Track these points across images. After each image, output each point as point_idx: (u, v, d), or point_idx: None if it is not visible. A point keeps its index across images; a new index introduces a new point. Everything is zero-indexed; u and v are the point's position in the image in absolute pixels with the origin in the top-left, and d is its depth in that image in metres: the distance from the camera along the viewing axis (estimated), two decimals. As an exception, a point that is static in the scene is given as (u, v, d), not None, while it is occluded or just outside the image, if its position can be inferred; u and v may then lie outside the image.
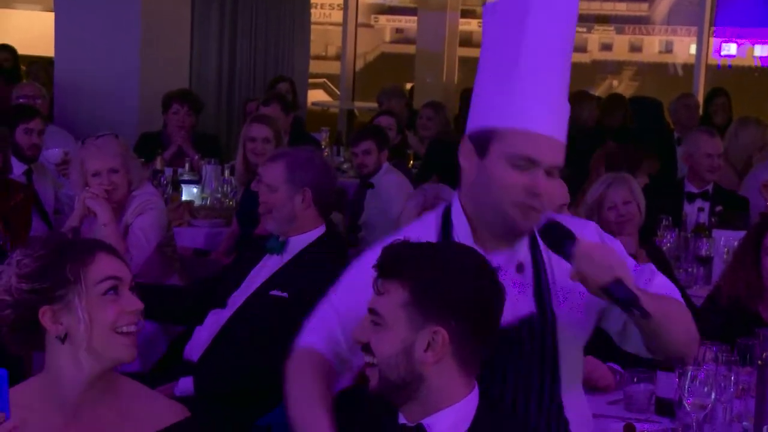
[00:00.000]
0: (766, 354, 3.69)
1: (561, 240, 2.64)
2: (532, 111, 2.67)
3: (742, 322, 4.27)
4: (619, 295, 2.52)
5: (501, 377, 2.74)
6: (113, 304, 2.53)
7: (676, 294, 2.85)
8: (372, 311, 2.50)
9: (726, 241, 5.75)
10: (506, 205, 2.68)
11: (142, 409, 2.66)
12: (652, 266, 2.90)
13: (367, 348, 2.51)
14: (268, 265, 4.52)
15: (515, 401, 2.75)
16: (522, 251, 2.81)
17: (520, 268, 2.77)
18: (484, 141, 2.70)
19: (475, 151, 2.73)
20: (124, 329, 2.55)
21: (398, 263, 2.48)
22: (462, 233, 2.80)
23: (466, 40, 15.98)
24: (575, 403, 2.88)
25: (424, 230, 2.83)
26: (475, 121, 2.77)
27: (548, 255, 2.78)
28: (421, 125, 8.98)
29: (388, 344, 2.48)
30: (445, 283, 2.47)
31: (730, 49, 16.42)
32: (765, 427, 3.56)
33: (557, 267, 2.77)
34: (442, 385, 2.50)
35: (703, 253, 5.93)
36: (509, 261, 2.77)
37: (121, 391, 2.65)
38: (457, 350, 2.48)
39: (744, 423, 3.69)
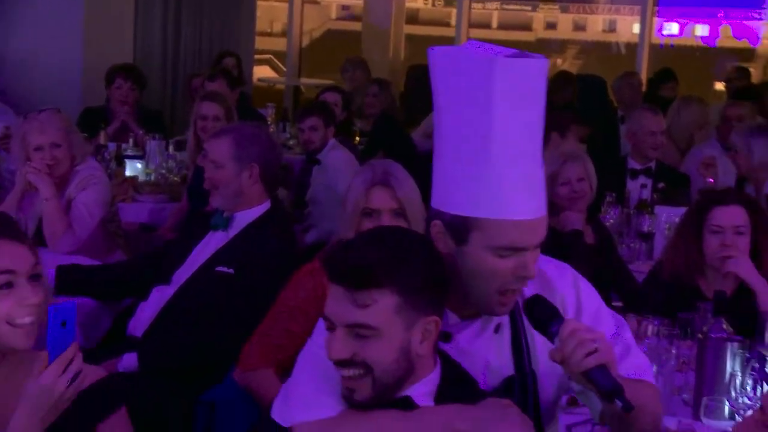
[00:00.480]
0: (707, 328, 3.72)
1: (546, 319, 2.50)
2: (513, 201, 2.48)
3: (683, 296, 4.30)
4: (602, 382, 2.39)
5: None
6: (6, 298, 2.50)
7: (648, 374, 2.78)
8: (357, 326, 2.37)
9: (668, 217, 5.79)
10: (491, 292, 2.54)
11: None
12: (627, 334, 2.79)
13: (349, 363, 2.40)
14: (213, 241, 4.49)
15: None
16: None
17: (497, 328, 2.66)
18: (461, 230, 2.50)
19: (451, 237, 2.53)
20: (19, 321, 2.52)
21: (375, 271, 2.37)
22: None
23: (413, 18, 16.00)
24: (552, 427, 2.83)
25: None
26: (445, 206, 2.54)
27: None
28: (368, 102, 8.96)
29: (387, 352, 2.39)
30: (426, 274, 2.43)
31: (672, 28, 16.56)
32: (704, 398, 3.58)
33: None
34: (421, 365, 2.47)
35: (646, 228, 5.97)
36: (486, 324, 2.66)
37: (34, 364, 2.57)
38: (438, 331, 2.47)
39: (684, 395, 3.73)
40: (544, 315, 2.51)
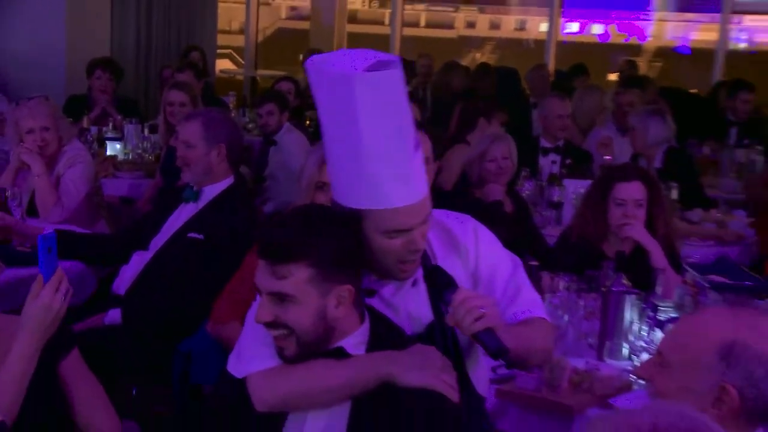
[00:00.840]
0: (609, 283, 3.77)
1: (442, 287, 2.51)
2: (388, 193, 2.43)
3: (588, 256, 4.32)
4: (489, 344, 2.41)
5: None
6: None
7: (539, 308, 2.75)
8: (277, 294, 2.36)
9: (574, 188, 5.83)
10: (390, 264, 2.52)
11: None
12: (520, 273, 2.76)
13: (274, 324, 2.40)
14: (185, 212, 4.45)
15: None
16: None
17: (414, 283, 2.63)
18: (354, 217, 2.47)
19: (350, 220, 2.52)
20: None
21: (290, 248, 2.35)
22: None
23: (352, 17, 15.97)
24: (478, 372, 2.81)
25: None
26: (338, 199, 2.53)
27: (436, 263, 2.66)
28: (316, 90, 8.90)
29: (304, 316, 2.37)
30: (338, 249, 2.40)
31: (573, 27, 16.69)
32: (607, 342, 3.64)
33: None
34: (346, 325, 2.46)
35: (555, 198, 6.00)
36: (403, 281, 2.64)
37: None
38: (356, 295, 2.46)
39: (590, 340, 3.76)
40: (441, 284, 2.52)
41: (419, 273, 2.62)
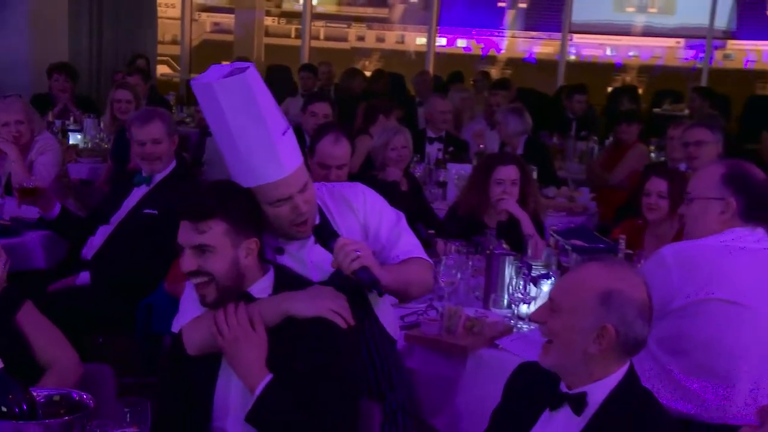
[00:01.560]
0: (492, 246, 3.78)
1: (326, 238, 2.50)
2: (261, 169, 2.43)
3: (472, 226, 4.34)
4: (364, 279, 2.41)
5: None
6: None
7: (418, 250, 2.73)
8: (198, 247, 2.34)
9: (456, 171, 5.83)
10: (284, 227, 2.52)
11: None
12: (402, 223, 2.75)
13: (196, 273, 2.37)
14: (139, 192, 4.34)
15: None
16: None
17: (315, 241, 2.59)
18: (252, 193, 2.47)
19: None
20: None
21: (211, 206, 2.35)
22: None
23: (268, 32, 15.81)
24: (387, 316, 2.81)
25: None
26: (235, 180, 2.51)
27: (334, 221, 2.65)
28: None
29: (221, 263, 2.36)
30: (246, 208, 2.42)
31: (442, 41, 16.78)
32: (491, 294, 3.65)
33: (346, 231, 2.62)
34: (252, 274, 2.44)
35: (441, 179, 5.99)
36: (305, 240, 2.61)
37: None
38: (260, 249, 2.45)
39: (477, 293, 3.77)
40: (325, 235, 2.51)
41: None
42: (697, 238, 2.80)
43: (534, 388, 2.24)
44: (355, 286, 2.52)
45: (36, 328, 2.68)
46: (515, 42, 19.38)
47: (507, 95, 7.93)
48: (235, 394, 2.41)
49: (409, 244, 2.72)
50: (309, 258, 2.59)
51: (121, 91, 6.55)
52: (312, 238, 2.58)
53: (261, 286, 2.45)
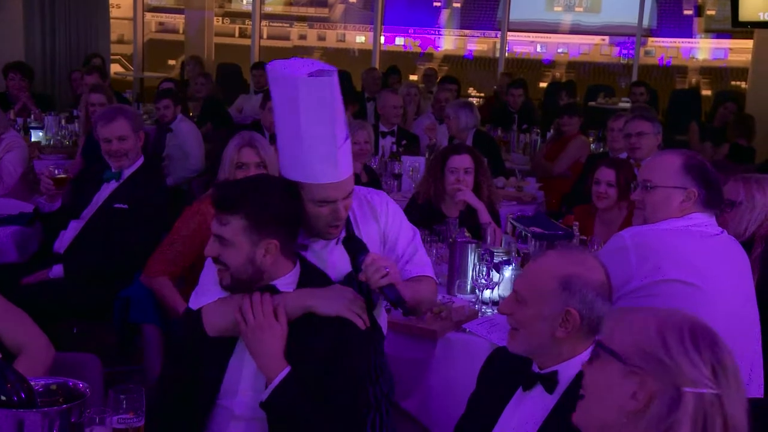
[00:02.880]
0: (454, 235, 3.81)
1: (356, 251, 2.49)
2: (319, 169, 2.41)
3: (431, 215, 4.36)
4: (390, 296, 2.41)
5: None
6: None
7: (429, 269, 2.75)
8: (218, 237, 2.34)
9: (410, 163, 5.86)
10: (319, 226, 2.50)
11: None
12: (417, 239, 2.78)
13: (216, 260, 2.37)
14: (109, 187, 4.28)
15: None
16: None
17: (338, 241, 2.60)
18: (295, 187, 2.45)
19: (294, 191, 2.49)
20: None
21: (234, 201, 2.33)
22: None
23: (218, 32, 15.64)
24: (382, 316, 2.82)
25: None
26: (283, 171, 2.49)
27: (356, 227, 2.65)
28: (196, 89, 8.65)
29: (236, 258, 2.35)
30: (270, 208, 2.36)
31: (382, 39, 16.82)
32: (456, 281, 3.68)
33: (366, 237, 2.63)
34: (277, 269, 2.42)
35: (396, 171, 6.01)
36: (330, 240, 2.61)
37: None
38: (284, 248, 2.40)
39: (440, 280, 3.76)
40: (355, 248, 2.51)
41: (342, 234, 2.59)
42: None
43: (507, 371, 2.27)
44: (364, 288, 2.54)
45: (4, 314, 2.62)
46: (451, 40, 19.51)
47: (454, 90, 7.97)
48: (246, 376, 2.40)
49: (422, 262, 2.74)
50: (329, 258, 2.59)
51: (95, 95, 6.40)
52: (334, 240, 2.58)
53: (286, 281, 2.43)
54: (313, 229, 2.53)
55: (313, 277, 2.49)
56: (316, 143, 2.39)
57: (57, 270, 4.05)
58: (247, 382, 2.40)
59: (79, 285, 4.01)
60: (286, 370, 2.32)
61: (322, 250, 2.59)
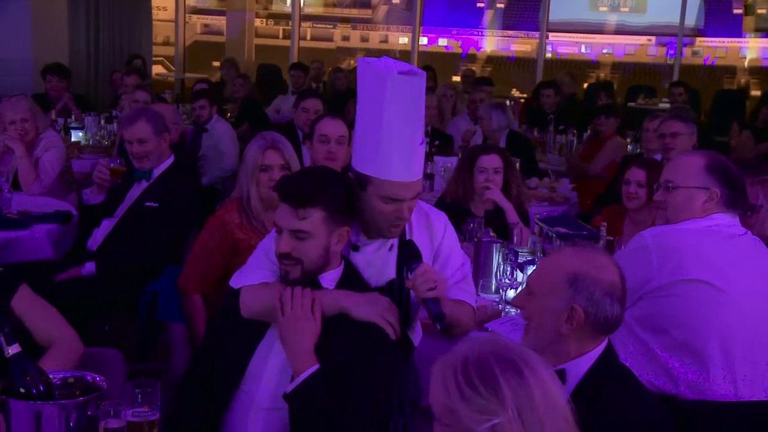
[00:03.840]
0: (480, 234, 3.80)
1: (410, 257, 2.52)
2: (394, 166, 2.44)
3: (460, 214, 4.35)
4: (433, 309, 2.44)
5: None
6: None
7: (471, 298, 2.76)
8: (296, 232, 2.37)
9: (442, 163, 5.84)
10: (380, 223, 2.53)
11: None
12: (467, 266, 2.79)
13: (288, 256, 2.39)
14: (140, 186, 4.34)
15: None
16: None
17: (390, 248, 2.63)
18: (363, 181, 2.48)
19: (357, 185, 2.51)
20: None
21: (311, 194, 2.37)
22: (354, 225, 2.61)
23: (257, 33, 15.77)
24: (416, 329, 2.84)
25: None
26: (356, 165, 2.52)
27: (411, 233, 2.66)
28: (234, 90, 8.72)
29: (315, 248, 2.39)
30: (343, 198, 2.43)
31: (424, 41, 16.84)
32: (480, 280, 3.66)
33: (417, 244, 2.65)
34: (332, 260, 2.48)
35: (428, 171, 5.98)
36: (384, 244, 2.63)
37: None
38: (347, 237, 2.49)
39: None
40: (410, 254, 2.53)
41: (396, 242, 2.61)
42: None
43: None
44: (404, 300, 2.57)
45: (34, 309, 2.67)
46: (494, 41, 19.44)
47: (489, 91, 7.94)
48: (273, 364, 2.43)
49: (466, 290, 2.74)
50: (378, 263, 2.61)
51: (140, 93, 6.50)
52: (388, 246, 2.61)
53: (330, 278, 2.47)
54: (373, 227, 2.56)
55: (353, 280, 2.52)
56: (396, 140, 2.43)
57: (89, 267, 4.11)
58: (273, 371, 2.42)
59: (110, 281, 4.07)
60: (315, 367, 2.33)
61: (373, 253, 2.62)
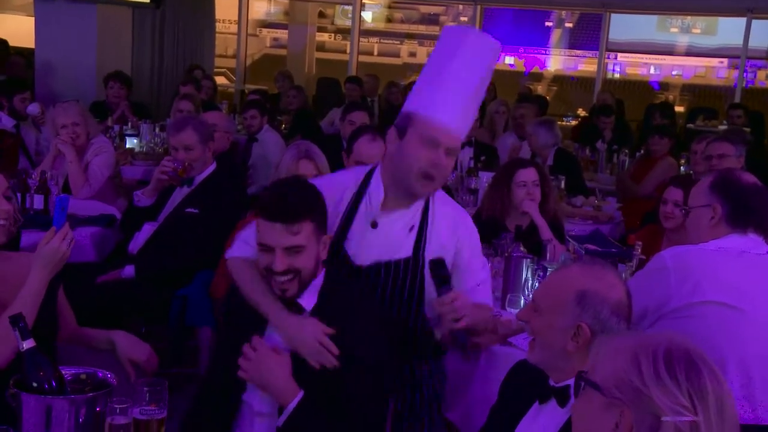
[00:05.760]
0: (510, 249, 3.77)
1: (441, 280, 2.51)
2: (446, 106, 2.50)
3: (495, 229, 4.32)
4: (458, 338, 2.46)
5: (381, 289, 2.69)
6: None
7: (489, 300, 2.82)
8: (290, 248, 2.37)
9: (487, 178, 5.80)
10: (413, 173, 2.53)
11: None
12: (486, 272, 2.85)
13: (286, 272, 2.39)
14: (181, 192, 4.43)
15: (392, 303, 2.69)
16: (415, 217, 2.69)
17: (410, 229, 2.66)
18: (404, 126, 2.53)
19: (397, 135, 2.56)
20: None
21: (303, 209, 2.38)
22: (375, 194, 2.67)
23: (321, 47, 15.92)
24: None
25: (350, 180, 2.73)
26: (408, 104, 2.60)
27: (432, 224, 2.69)
28: (288, 102, 8.82)
29: (308, 260, 2.41)
30: (323, 205, 2.46)
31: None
32: (509, 295, 3.63)
33: (436, 237, 2.68)
34: (320, 266, 2.51)
35: (473, 186, 5.98)
36: (404, 222, 2.66)
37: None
38: None
39: (496, 293, 3.74)
40: (441, 277, 2.52)
41: (417, 221, 2.65)
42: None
43: (527, 384, 2.25)
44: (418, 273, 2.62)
45: (63, 311, 2.77)
46: (560, 60, 19.27)
47: (532, 108, 7.89)
48: None
49: (485, 293, 2.79)
50: (394, 238, 2.64)
51: (183, 102, 6.66)
52: (408, 226, 2.63)
53: (310, 292, 2.46)
54: (404, 177, 2.57)
55: (334, 287, 2.52)
56: (454, 82, 2.52)
57: (129, 270, 4.19)
58: None
59: (147, 285, 4.15)
60: (300, 394, 2.34)
61: (391, 231, 2.64)
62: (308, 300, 2.46)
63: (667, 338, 1.58)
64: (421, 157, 2.51)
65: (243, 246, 2.62)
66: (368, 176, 2.72)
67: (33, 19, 9.51)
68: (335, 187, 2.69)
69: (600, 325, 2.06)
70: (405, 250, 2.64)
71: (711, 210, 2.73)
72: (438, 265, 2.55)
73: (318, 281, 2.48)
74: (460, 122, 2.55)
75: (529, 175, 4.35)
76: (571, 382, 2.09)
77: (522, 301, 3.58)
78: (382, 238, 2.62)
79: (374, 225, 2.62)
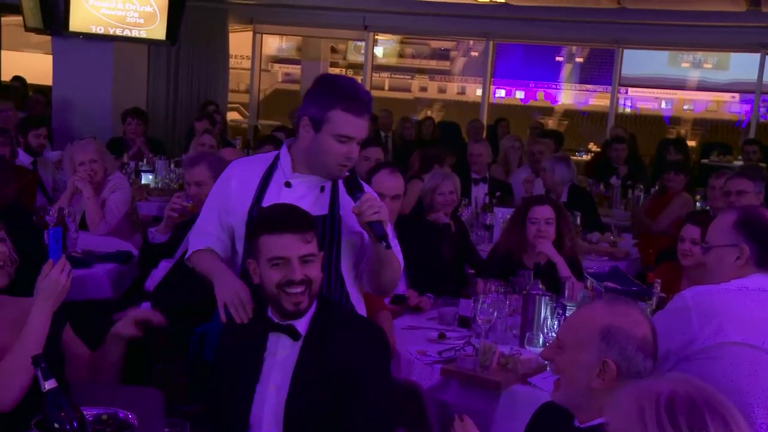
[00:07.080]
0: (528, 287, 3.75)
1: (353, 187, 2.74)
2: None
3: (512, 266, 4.32)
4: (377, 230, 2.66)
5: None
6: None
7: (400, 256, 2.94)
8: (306, 257, 2.50)
9: (502, 215, 5.81)
10: (331, 165, 2.75)
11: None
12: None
13: (301, 282, 2.49)
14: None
15: None
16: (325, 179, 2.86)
17: (322, 189, 2.83)
18: (319, 122, 2.71)
19: (312, 126, 2.74)
20: None
21: (309, 219, 2.54)
22: (285, 166, 2.83)
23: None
24: (353, 288, 2.92)
25: (261, 163, 2.90)
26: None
27: (339, 184, 2.86)
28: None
29: (317, 272, 2.54)
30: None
31: (501, 93, 16.82)
32: (527, 333, 3.61)
33: (343, 196, 2.83)
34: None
35: (488, 222, 5.98)
36: (316, 182, 2.82)
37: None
38: None
39: (514, 331, 3.74)
40: (353, 185, 2.75)
41: (328, 184, 2.83)
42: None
43: (552, 426, 2.23)
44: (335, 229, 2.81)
45: (69, 345, 2.78)
46: (571, 94, 19.33)
47: (550, 144, 7.91)
48: (269, 406, 2.53)
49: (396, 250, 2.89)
50: (307, 201, 2.77)
51: (206, 137, 6.71)
52: (319, 187, 2.82)
53: (304, 318, 2.56)
54: (325, 167, 2.77)
55: (329, 310, 2.61)
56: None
57: (145, 307, 4.19)
58: (270, 410, 2.54)
59: (166, 320, 4.13)
60: None
61: (304, 192, 2.80)
62: (301, 326, 2.56)
63: (672, 384, 1.57)
64: (338, 154, 2.72)
65: (198, 239, 2.92)
66: (277, 156, 2.90)
67: (50, 56, 9.63)
68: (255, 162, 2.93)
69: (626, 361, 2.06)
70: (320, 208, 2.79)
71: (738, 250, 2.71)
72: (351, 179, 2.76)
73: (312, 310, 2.57)
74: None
75: (543, 212, 4.35)
76: (596, 422, 2.08)
77: (541, 339, 3.56)
78: (297, 196, 2.77)
79: (288, 184, 2.79)
